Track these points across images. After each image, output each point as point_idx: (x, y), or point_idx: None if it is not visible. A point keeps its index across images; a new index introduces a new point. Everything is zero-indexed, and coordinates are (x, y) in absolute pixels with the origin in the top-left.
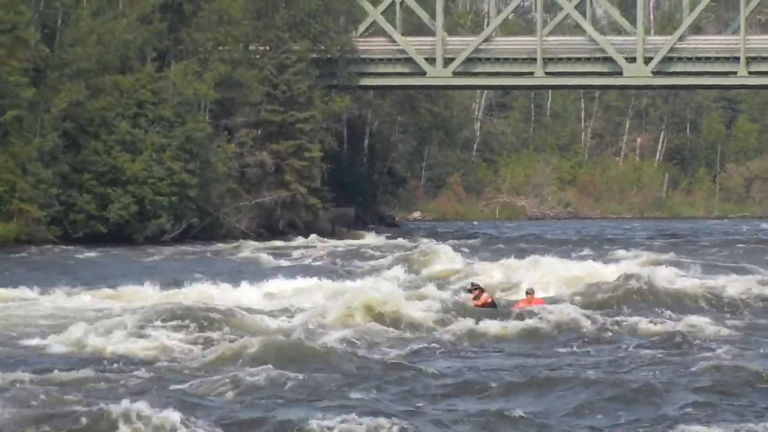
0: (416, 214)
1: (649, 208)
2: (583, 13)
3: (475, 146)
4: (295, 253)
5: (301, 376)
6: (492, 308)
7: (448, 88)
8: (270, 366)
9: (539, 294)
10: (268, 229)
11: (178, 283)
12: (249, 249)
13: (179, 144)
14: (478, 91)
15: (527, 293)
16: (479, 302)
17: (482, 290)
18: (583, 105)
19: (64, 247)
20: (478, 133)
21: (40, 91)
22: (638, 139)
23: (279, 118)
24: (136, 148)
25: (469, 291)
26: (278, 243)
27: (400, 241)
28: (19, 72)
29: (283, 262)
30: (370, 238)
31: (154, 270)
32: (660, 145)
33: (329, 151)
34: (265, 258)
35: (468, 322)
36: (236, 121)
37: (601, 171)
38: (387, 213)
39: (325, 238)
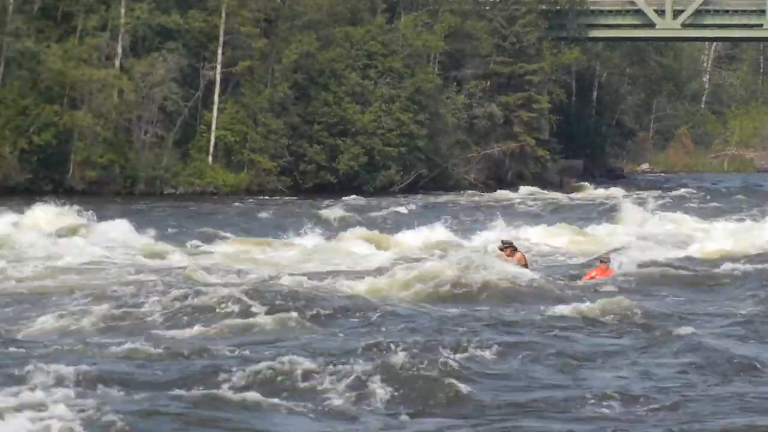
0: (644, 167)
1: None
2: None
3: (703, 98)
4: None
5: None
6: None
7: (677, 40)
8: None
9: None
10: (497, 180)
11: None
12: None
13: (408, 95)
14: (707, 43)
15: (601, 261)
16: (512, 260)
17: (515, 249)
18: None
19: (293, 197)
20: (706, 85)
21: (271, 42)
22: None
23: (508, 69)
24: (365, 100)
25: (501, 249)
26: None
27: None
28: (250, 23)
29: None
30: (596, 191)
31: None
32: None
33: (557, 102)
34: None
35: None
36: (465, 72)
37: None
38: (615, 165)
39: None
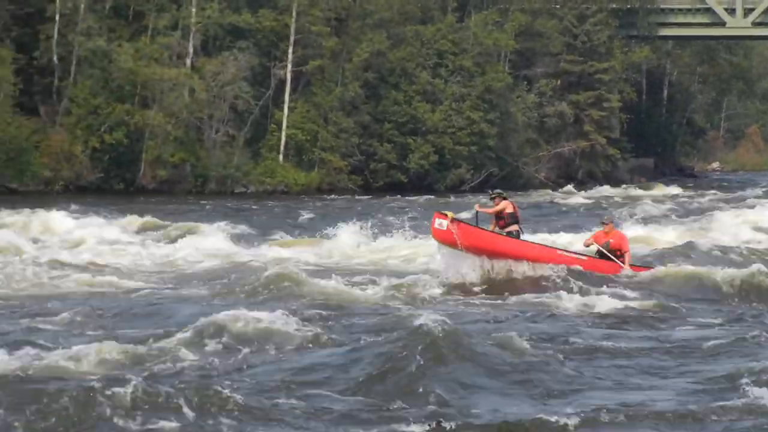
0: (714, 165)
1: None
2: None
3: None
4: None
5: None
6: (513, 222)
7: (748, 38)
8: None
9: None
10: (567, 178)
11: None
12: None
13: (479, 94)
14: None
15: (604, 223)
16: (491, 210)
17: (503, 199)
18: None
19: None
20: None
21: (342, 41)
22: None
23: (578, 68)
24: (436, 98)
25: (491, 198)
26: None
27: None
28: (321, 22)
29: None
30: (667, 189)
31: None
32: None
33: (628, 101)
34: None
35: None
36: (536, 71)
37: None
38: (686, 164)
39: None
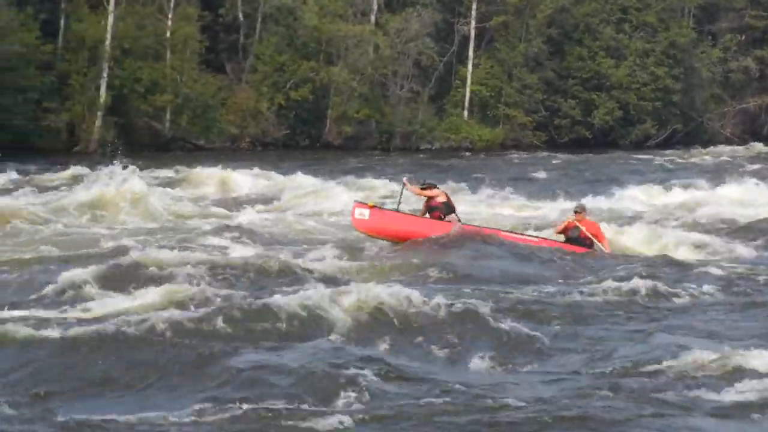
0: None
1: None
2: None
3: None
4: None
5: None
6: (449, 211)
7: None
8: None
9: None
10: (753, 134)
11: None
12: None
13: (663, 49)
14: None
15: (576, 212)
16: (418, 190)
17: (435, 187)
18: None
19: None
20: None
21: None
22: None
23: (763, 23)
24: (620, 54)
25: (422, 189)
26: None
27: None
28: None
29: None
30: None
31: None
32: None
33: None
34: None
35: None
36: (720, 26)
37: None
38: None
39: None
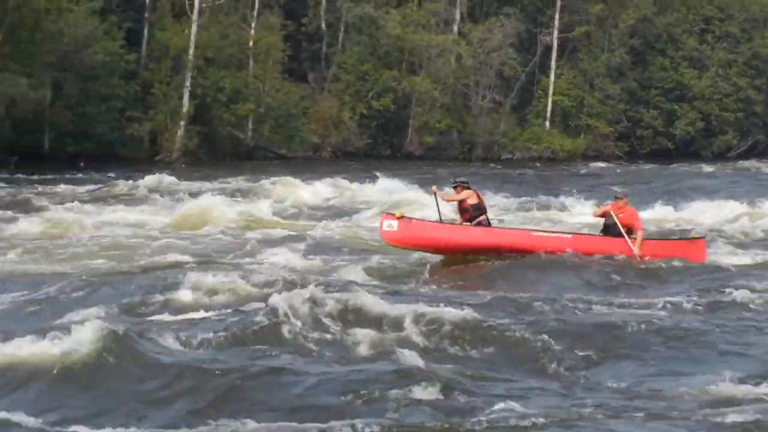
0: None
1: None
2: None
3: None
4: None
5: None
6: (479, 213)
7: None
8: None
9: None
10: None
11: None
12: None
13: (745, 60)
14: None
15: (617, 198)
16: (450, 198)
17: (466, 188)
18: None
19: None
20: None
21: (608, 7)
22: None
23: None
24: (702, 65)
25: (453, 187)
26: None
27: None
28: None
29: None
30: None
31: None
32: None
33: None
34: None
35: None
36: None
37: None
38: None
39: None
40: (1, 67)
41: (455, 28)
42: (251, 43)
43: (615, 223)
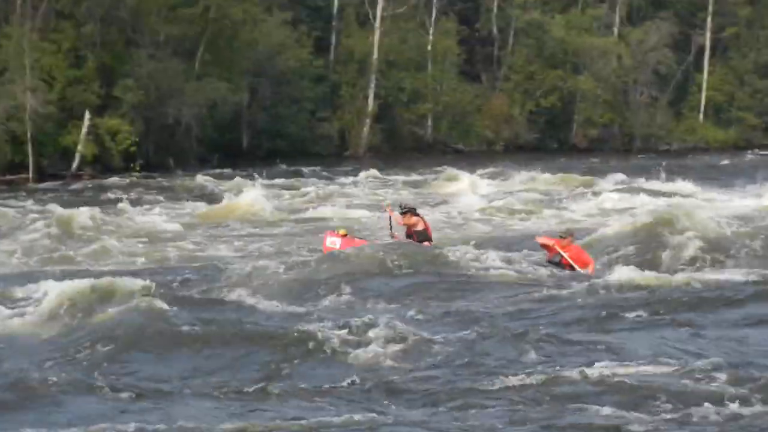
0: None
1: None
2: None
3: None
4: None
5: None
6: (424, 239)
7: None
8: None
9: None
10: None
11: None
12: None
13: None
14: None
15: (561, 237)
16: (401, 222)
17: (415, 214)
18: None
19: None
20: None
21: (757, 10)
22: None
23: None
24: None
25: (402, 213)
26: None
27: None
28: None
29: None
30: None
31: None
32: None
33: None
34: None
35: None
36: None
37: None
38: None
39: None
40: (203, 73)
41: (615, 30)
42: (429, 47)
43: (560, 262)
